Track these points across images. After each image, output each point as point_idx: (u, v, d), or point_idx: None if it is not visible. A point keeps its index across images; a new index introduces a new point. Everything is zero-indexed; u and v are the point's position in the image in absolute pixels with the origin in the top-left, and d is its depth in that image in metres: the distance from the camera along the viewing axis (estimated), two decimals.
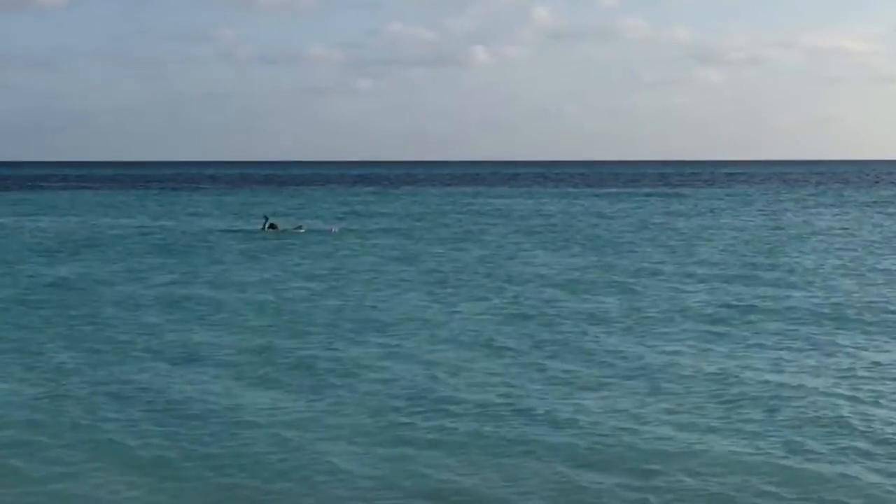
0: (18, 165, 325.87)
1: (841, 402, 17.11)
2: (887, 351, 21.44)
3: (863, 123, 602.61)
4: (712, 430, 15.59)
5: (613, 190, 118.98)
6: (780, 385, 18.29)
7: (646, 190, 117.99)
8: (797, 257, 39.90)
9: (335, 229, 55.26)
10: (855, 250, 42.71)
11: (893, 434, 15.30)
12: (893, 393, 17.74)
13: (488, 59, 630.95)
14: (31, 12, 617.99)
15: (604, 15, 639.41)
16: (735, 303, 27.96)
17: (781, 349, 21.57)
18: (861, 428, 15.60)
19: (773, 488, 13.15)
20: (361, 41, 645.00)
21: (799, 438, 15.10)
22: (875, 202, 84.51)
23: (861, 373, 19.30)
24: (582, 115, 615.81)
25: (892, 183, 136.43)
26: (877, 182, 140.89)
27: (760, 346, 21.98)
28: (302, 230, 54.41)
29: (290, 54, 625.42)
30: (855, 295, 29.31)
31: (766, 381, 18.58)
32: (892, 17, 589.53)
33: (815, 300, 28.40)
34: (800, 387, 18.15)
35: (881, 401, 17.19)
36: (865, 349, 21.58)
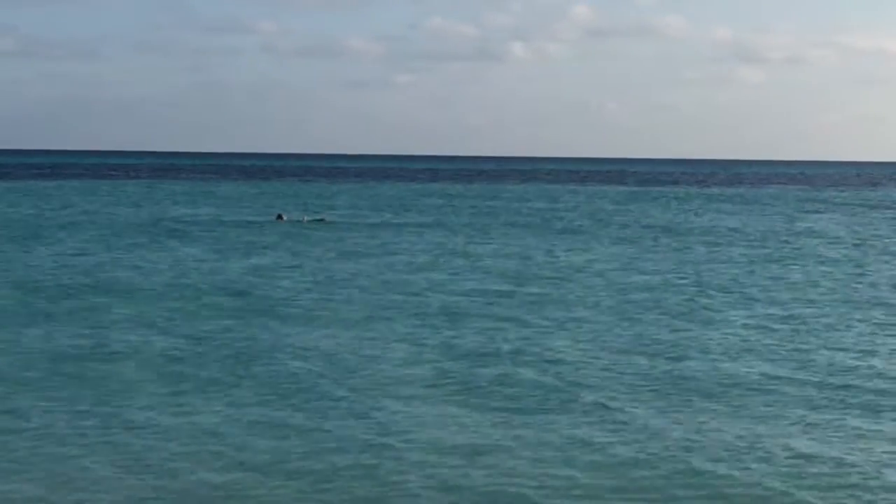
0: (60, 154, 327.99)
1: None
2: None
3: None
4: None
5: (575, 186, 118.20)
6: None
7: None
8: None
9: (306, 219, 56.50)
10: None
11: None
12: None
13: (528, 55, 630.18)
14: (73, 1, 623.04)
15: (643, 13, 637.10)
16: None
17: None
18: None
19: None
20: (402, 35, 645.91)
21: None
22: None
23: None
24: (622, 112, 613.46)
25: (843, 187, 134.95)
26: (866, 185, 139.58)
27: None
28: (308, 219, 55.55)
29: (331, 47, 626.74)
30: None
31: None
32: None
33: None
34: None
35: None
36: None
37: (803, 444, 15.19)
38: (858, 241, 48.69)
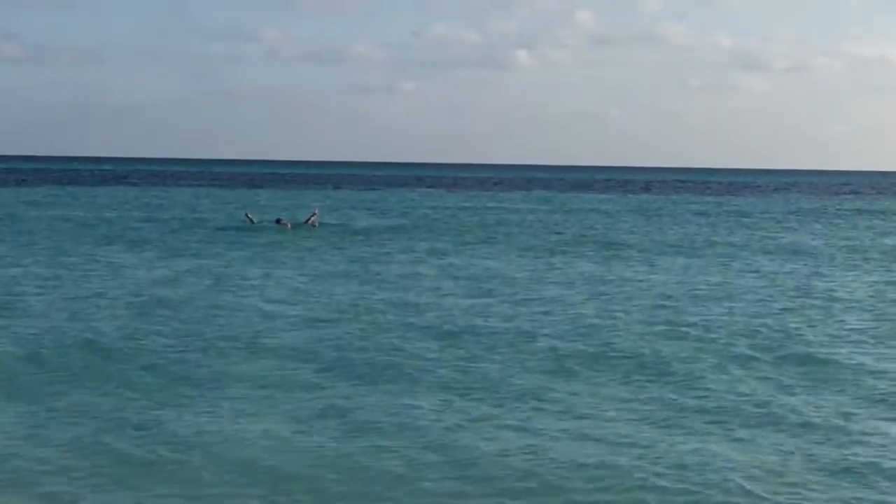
0: (65, 160, 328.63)
1: None
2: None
3: None
4: None
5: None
6: None
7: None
8: None
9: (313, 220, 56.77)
10: None
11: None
12: None
13: (532, 62, 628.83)
14: (76, 7, 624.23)
15: (647, 21, 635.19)
16: None
17: None
18: None
19: None
20: (405, 42, 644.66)
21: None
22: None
23: None
24: (626, 119, 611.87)
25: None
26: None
27: None
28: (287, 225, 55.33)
29: (335, 54, 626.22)
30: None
31: None
32: None
33: None
34: None
35: None
36: None
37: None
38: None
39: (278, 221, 56.37)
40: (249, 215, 59.28)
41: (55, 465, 14.97)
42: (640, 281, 36.18)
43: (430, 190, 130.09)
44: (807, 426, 17.19)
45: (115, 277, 34.76)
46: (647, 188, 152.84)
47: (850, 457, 15.63)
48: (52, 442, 15.96)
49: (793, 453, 15.73)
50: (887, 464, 15.31)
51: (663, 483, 14.33)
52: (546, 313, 28.24)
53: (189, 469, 14.78)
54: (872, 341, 24.88)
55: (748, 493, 14.03)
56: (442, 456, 15.41)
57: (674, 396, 19.04)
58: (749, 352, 23.23)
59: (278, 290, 32.31)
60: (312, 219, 57.10)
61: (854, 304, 31.00)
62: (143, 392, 18.95)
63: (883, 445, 16.26)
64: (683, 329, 25.85)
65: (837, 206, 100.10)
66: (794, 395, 19.34)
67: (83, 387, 19.29)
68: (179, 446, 15.70)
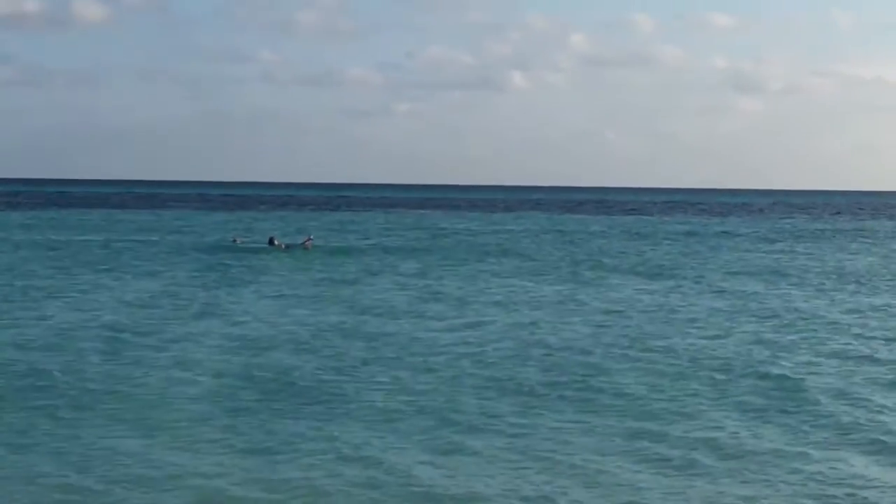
0: (59, 183, 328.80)
1: None
2: None
3: None
4: None
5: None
6: None
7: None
8: None
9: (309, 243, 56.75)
10: None
11: None
12: None
13: (527, 84, 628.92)
14: (71, 30, 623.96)
15: (641, 43, 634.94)
16: None
17: None
18: None
19: None
20: (400, 63, 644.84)
21: None
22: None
23: None
24: (621, 141, 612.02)
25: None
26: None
27: None
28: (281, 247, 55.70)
29: (330, 76, 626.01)
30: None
31: None
32: None
33: None
34: None
35: None
36: None
37: None
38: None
39: (271, 242, 56.43)
40: (237, 239, 59.47)
41: None
42: (622, 302, 36.22)
43: (424, 212, 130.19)
44: (779, 455, 17.06)
45: (91, 301, 34.71)
46: (639, 209, 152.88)
47: (820, 488, 15.55)
48: None
49: (760, 483, 15.65)
50: (861, 493, 15.25)
51: None
52: (524, 337, 28.23)
53: (143, 498, 14.68)
54: (846, 367, 24.78)
55: None
56: (402, 486, 15.31)
57: (644, 426, 18.87)
58: (721, 376, 23.19)
59: (256, 314, 32.24)
60: (307, 242, 57.30)
61: (834, 327, 30.99)
62: (100, 419, 18.80)
63: (855, 476, 16.16)
64: (658, 356, 25.78)
65: (828, 226, 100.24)
66: (767, 423, 19.17)
67: (47, 413, 19.12)
68: (132, 475, 15.55)
